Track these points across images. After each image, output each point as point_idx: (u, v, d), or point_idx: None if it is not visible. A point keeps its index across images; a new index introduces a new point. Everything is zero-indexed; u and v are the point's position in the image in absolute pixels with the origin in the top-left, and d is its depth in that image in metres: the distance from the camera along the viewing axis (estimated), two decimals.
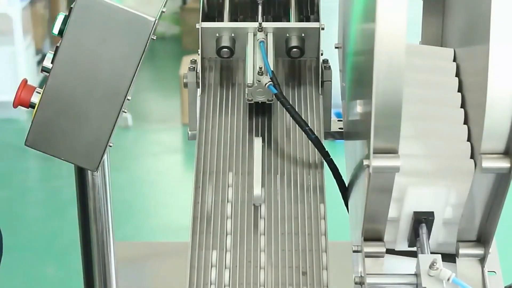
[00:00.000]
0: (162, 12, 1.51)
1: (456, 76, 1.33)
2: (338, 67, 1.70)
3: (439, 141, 1.25)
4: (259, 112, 1.59)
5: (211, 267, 1.37)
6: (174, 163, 4.65)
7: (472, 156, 1.20)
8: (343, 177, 1.48)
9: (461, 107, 1.28)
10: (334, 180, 1.49)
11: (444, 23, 1.48)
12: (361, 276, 1.24)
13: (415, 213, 1.22)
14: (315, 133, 1.50)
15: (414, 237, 1.23)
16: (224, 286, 1.35)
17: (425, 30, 1.52)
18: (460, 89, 1.31)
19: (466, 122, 1.26)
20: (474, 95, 1.22)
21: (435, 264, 1.16)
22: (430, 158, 1.23)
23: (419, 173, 1.21)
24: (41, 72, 1.47)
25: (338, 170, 1.48)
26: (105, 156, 1.51)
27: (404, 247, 1.26)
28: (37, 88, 1.48)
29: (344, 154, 1.52)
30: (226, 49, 1.65)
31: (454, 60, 1.36)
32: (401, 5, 1.06)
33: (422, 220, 1.22)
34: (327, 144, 1.52)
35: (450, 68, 1.35)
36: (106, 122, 1.45)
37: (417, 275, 1.18)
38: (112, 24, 1.42)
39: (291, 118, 1.53)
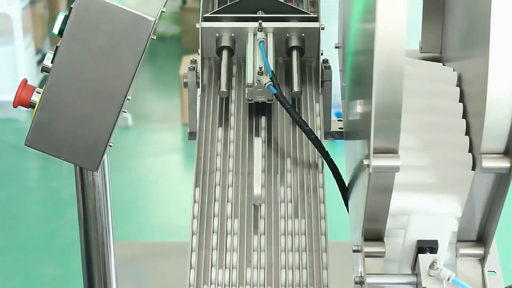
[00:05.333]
0: (162, 12, 1.51)
1: (457, 87, 1.33)
2: (338, 67, 1.70)
3: (439, 151, 1.25)
4: (259, 112, 1.59)
5: (211, 267, 1.37)
6: (174, 163, 4.65)
7: (473, 167, 1.20)
8: (343, 177, 1.48)
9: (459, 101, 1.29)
10: (334, 180, 1.49)
11: (444, 24, 1.48)
12: (361, 276, 1.24)
13: (419, 241, 1.21)
14: (315, 133, 1.50)
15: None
16: (224, 286, 1.35)
17: (425, 31, 1.52)
18: (461, 100, 1.31)
19: (467, 132, 1.26)
20: (475, 104, 1.22)
21: (435, 264, 1.16)
22: (431, 170, 1.23)
23: (420, 186, 1.21)
24: (41, 72, 1.47)
25: (338, 170, 1.48)
26: (105, 156, 1.51)
27: (407, 271, 1.25)
28: (37, 88, 1.48)
29: (344, 154, 1.52)
30: (226, 49, 1.65)
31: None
32: (401, 5, 1.06)
33: (426, 249, 1.21)
34: (327, 144, 1.52)
35: (451, 77, 1.35)
36: (106, 122, 1.46)
37: (417, 275, 1.18)
38: (112, 24, 1.42)
39: (291, 118, 1.53)
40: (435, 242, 1.21)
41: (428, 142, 1.27)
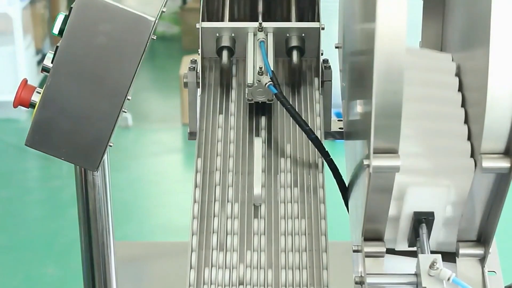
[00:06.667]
0: (162, 12, 1.51)
1: (456, 76, 1.33)
2: (338, 67, 1.70)
3: (439, 140, 1.25)
4: (259, 112, 1.59)
5: (211, 267, 1.37)
6: (174, 163, 4.65)
7: (472, 156, 1.20)
8: (343, 177, 1.48)
9: (461, 106, 1.29)
10: (334, 180, 1.49)
11: (444, 24, 1.48)
12: (361, 276, 1.24)
13: (415, 213, 1.22)
14: (315, 133, 1.50)
15: (414, 237, 1.23)
16: (224, 286, 1.35)
17: (425, 31, 1.52)
18: (460, 89, 1.31)
19: (466, 121, 1.26)
20: (474, 94, 1.22)
21: (435, 264, 1.16)
22: (430, 157, 1.23)
23: (419, 172, 1.21)
24: (41, 72, 1.47)
25: (338, 170, 1.48)
26: (105, 156, 1.51)
27: (404, 247, 1.26)
28: (37, 88, 1.48)
29: (344, 154, 1.52)
30: (226, 49, 1.65)
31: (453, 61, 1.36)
32: (401, 5, 1.06)
33: (422, 220, 1.22)
34: (327, 144, 1.52)
35: (450, 67, 1.35)
36: (106, 122, 1.46)
37: (417, 275, 1.18)
38: (112, 24, 1.42)
39: (291, 118, 1.53)
40: (432, 213, 1.21)
41: (427, 130, 1.27)
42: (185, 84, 1.65)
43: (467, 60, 1.27)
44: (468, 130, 1.24)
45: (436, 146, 1.24)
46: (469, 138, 1.23)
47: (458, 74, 1.33)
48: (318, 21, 1.69)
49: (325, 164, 1.50)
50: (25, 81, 1.50)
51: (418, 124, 1.26)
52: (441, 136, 1.25)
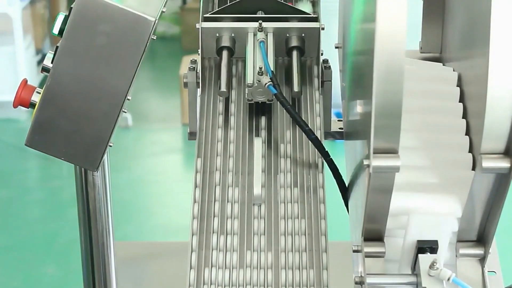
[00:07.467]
0: (162, 12, 1.51)
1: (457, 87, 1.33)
2: (338, 67, 1.70)
3: (440, 152, 1.25)
4: (259, 112, 1.59)
5: (211, 267, 1.37)
6: (174, 163, 4.65)
7: (473, 168, 1.20)
8: (343, 177, 1.48)
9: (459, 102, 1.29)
10: (334, 180, 1.49)
11: (444, 24, 1.48)
12: (361, 276, 1.24)
13: (419, 241, 1.21)
14: (315, 133, 1.50)
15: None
16: (224, 286, 1.35)
17: (425, 31, 1.52)
18: (459, 86, 1.31)
19: (464, 116, 1.26)
20: (474, 92, 1.23)
21: (435, 264, 1.16)
22: (431, 170, 1.23)
23: (420, 186, 1.21)
24: (41, 72, 1.47)
25: (338, 170, 1.48)
26: (105, 156, 1.51)
27: (407, 271, 1.25)
28: (37, 88, 1.48)
29: (344, 154, 1.52)
30: (226, 49, 1.65)
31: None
32: (401, 5, 1.06)
33: (426, 249, 1.21)
34: (327, 144, 1.52)
35: (451, 77, 1.35)
36: (106, 122, 1.46)
37: (417, 275, 1.18)
38: (112, 24, 1.42)
39: (291, 118, 1.53)
40: (435, 242, 1.21)
41: (428, 142, 1.27)
42: (185, 84, 1.65)
43: (467, 60, 1.27)
44: (470, 141, 1.24)
45: (436, 158, 1.24)
46: (470, 148, 1.23)
47: (459, 85, 1.34)
48: (318, 21, 1.69)
49: (325, 164, 1.50)
50: (25, 81, 1.50)
51: (419, 135, 1.26)
52: (441, 148, 1.25)
